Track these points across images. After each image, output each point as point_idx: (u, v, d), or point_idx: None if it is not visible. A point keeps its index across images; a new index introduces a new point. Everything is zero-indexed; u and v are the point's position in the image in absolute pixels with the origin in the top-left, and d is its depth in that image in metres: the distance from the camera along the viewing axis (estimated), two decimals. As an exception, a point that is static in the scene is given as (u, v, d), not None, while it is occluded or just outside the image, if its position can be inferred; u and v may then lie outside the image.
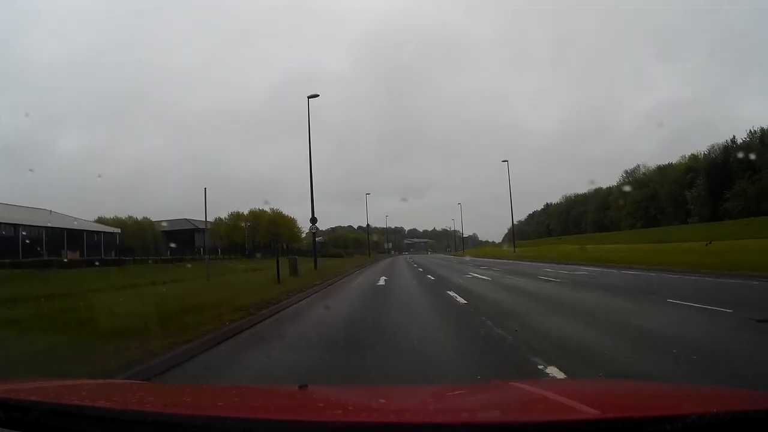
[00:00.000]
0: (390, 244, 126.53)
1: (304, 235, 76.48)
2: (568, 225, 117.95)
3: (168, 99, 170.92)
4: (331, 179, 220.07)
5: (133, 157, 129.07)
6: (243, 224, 75.17)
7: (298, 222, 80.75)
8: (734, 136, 76.98)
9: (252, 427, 1.54)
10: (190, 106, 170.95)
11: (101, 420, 1.62)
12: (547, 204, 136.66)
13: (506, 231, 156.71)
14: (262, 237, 78.65)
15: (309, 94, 31.09)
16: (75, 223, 48.29)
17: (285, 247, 78.43)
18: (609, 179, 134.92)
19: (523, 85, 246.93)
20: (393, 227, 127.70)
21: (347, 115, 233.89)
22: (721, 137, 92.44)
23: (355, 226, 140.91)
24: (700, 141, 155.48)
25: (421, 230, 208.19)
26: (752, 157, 65.80)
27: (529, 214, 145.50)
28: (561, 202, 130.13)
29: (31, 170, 79.35)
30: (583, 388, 2.44)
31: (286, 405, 2.01)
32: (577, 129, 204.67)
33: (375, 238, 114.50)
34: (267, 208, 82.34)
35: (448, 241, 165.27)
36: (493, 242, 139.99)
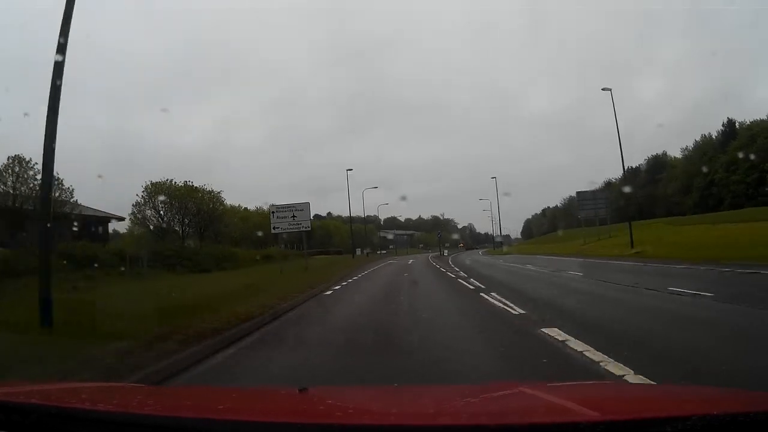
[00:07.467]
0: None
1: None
2: (704, 195, 65.84)
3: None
4: (276, 153, 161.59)
5: None
6: None
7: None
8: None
9: (252, 430, 1.54)
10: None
11: (101, 423, 1.62)
12: (625, 171, 74.58)
13: (523, 222, 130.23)
14: None
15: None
16: None
17: None
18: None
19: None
20: (363, 216, 74.49)
21: (290, 73, 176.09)
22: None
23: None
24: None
25: (403, 219, 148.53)
26: None
27: (582, 193, 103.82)
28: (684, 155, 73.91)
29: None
30: (584, 391, 2.44)
31: (286, 407, 2.01)
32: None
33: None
34: None
35: (460, 234, 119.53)
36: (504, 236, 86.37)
